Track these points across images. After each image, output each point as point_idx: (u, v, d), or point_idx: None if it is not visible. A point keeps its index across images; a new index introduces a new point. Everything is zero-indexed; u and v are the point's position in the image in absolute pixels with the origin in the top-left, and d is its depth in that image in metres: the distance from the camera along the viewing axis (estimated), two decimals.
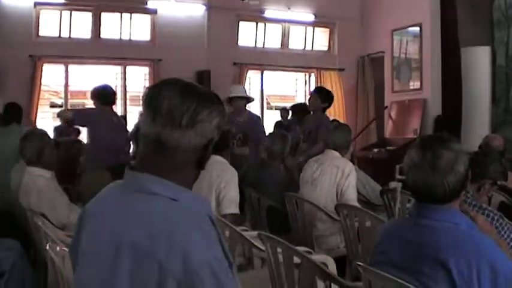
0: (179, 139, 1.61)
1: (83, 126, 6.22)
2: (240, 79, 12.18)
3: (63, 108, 11.64)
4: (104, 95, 6.11)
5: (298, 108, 9.62)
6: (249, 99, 7.34)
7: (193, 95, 1.64)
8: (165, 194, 1.60)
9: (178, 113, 1.60)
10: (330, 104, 7.24)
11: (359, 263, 2.53)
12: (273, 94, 14.38)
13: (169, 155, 1.63)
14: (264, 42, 12.82)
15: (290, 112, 10.73)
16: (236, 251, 3.87)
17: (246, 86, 12.59)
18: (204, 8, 11.98)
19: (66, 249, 2.82)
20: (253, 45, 12.74)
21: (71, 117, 6.39)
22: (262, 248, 3.40)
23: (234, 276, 1.59)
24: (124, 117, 9.61)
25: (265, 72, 12.96)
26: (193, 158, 1.66)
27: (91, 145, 6.43)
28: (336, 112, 12.18)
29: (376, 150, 10.90)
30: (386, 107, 12.04)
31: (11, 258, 3.90)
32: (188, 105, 1.61)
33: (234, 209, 4.49)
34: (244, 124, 6.85)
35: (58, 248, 2.87)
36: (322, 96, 7.09)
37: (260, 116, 12.80)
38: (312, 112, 7.32)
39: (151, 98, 1.65)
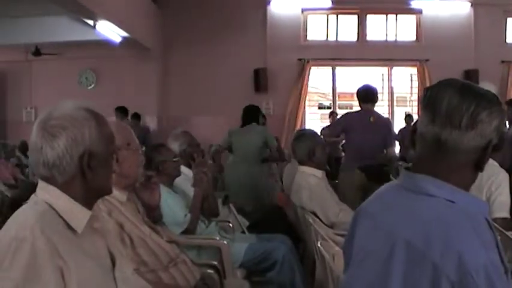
0: (458, 140, 1.58)
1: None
2: (508, 78, 11.65)
3: (331, 109, 12.07)
4: (363, 94, 6.15)
5: None
6: None
7: (473, 95, 1.60)
8: (441, 195, 1.59)
9: (457, 113, 1.57)
10: None
11: None
12: None
13: (448, 155, 1.61)
14: None
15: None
16: (506, 257, 3.68)
17: None
18: (469, 5, 11.61)
19: (337, 248, 2.92)
20: None
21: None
22: None
23: (509, 283, 1.52)
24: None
25: None
26: (471, 159, 1.62)
27: (346, 145, 6.62)
28: None
29: None
30: None
31: (283, 251, 4.11)
32: (467, 105, 1.57)
33: (505, 213, 4.27)
34: None
35: (329, 246, 2.96)
36: None
37: None
38: None
39: (430, 99, 1.64)
